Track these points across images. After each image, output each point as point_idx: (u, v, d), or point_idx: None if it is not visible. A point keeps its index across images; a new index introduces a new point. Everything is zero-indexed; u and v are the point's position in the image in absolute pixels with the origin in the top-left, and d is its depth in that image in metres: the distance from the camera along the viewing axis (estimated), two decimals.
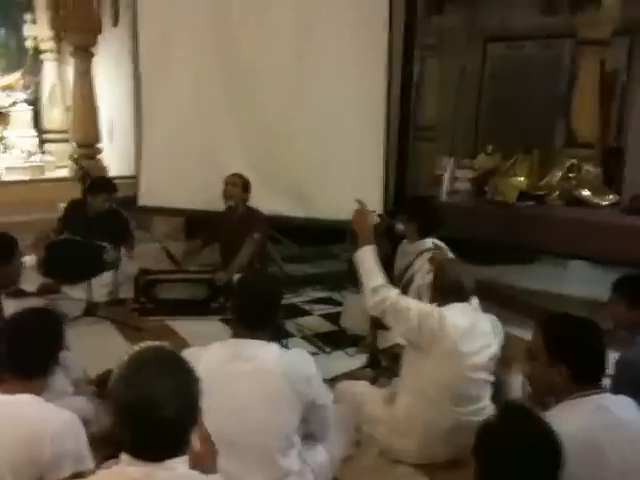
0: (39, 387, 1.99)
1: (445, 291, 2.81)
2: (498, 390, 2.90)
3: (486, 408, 2.75)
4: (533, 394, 2.19)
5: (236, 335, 2.34)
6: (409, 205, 3.79)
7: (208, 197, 5.09)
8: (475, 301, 3.03)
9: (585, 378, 1.92)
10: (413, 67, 5.97)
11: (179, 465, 1.46)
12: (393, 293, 2.83)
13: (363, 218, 3.07)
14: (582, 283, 5.11)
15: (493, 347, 2.80)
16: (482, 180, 5.03)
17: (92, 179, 4.77)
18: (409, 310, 2.74)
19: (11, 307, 3.04)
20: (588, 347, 1.93)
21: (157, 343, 1.59)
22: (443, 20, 6.41)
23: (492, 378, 2.83)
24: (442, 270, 2.88)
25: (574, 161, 4.96)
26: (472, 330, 2.73)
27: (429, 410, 2.72)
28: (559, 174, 4.86)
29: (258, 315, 2.32)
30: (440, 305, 2.79)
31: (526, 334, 4.18)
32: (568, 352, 1.92)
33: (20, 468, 1.79)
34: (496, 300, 4.79)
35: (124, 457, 1.45)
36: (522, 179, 4.83)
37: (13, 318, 2.09)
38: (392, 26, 5.01)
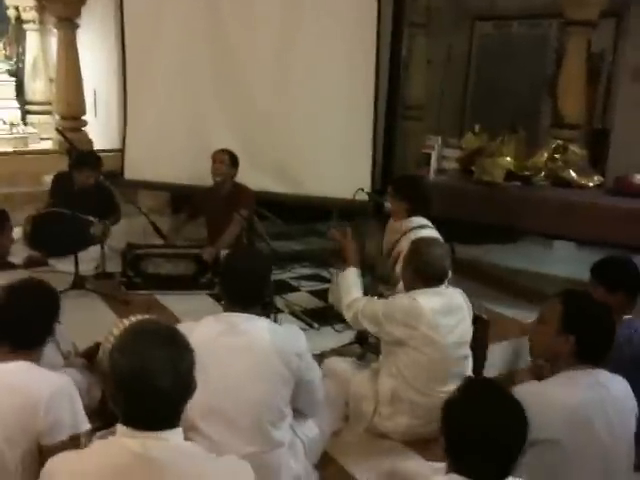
0: (33, 358, 1.99)
1: (422, 276, 2.79)
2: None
3: None
4: (531, 354, 2.25)
5: (227, 311, 2.35)
6: (398, 184, 3.78)
7: (195, 172, 5.07)
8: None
9: (589, 354, 1.99)
10: (402, 45, 5.98)
11: (174, 436, 1.49)
12: (361, 303, 2.93)
13: (347, 243, 3.25)
14: (567, 263, 5.17)
15: (467, 320, 2.88)
16: (469, 159, 5.04)
17: (77, 153, 4.72)
18: (378, 315, 2.82)
19: None
20: (601, 327, 2.00)
21: (147, 317, 1.62)
22: None
23: (469, 352, 2.90)
24: (419, 253, 2.83)
25: (560, 142, 4.99)
26: (447, 307, 2.79)
27: (412, 393, 2.77)
28: (545, 155, 4.88)
29: (248, 291, 2.33)
30: (413, 288, 2.81)
31: (511, 313, 4.30)
32: (582, 325, 1.99)
33: (14, 435, 1.80)
34: (481, 279, 4.87)
35: (119, 428, 1.47)
36: (509, 159, 4.84)
37: (10, 288, 2.09)
38: (381, 3, 4.98)
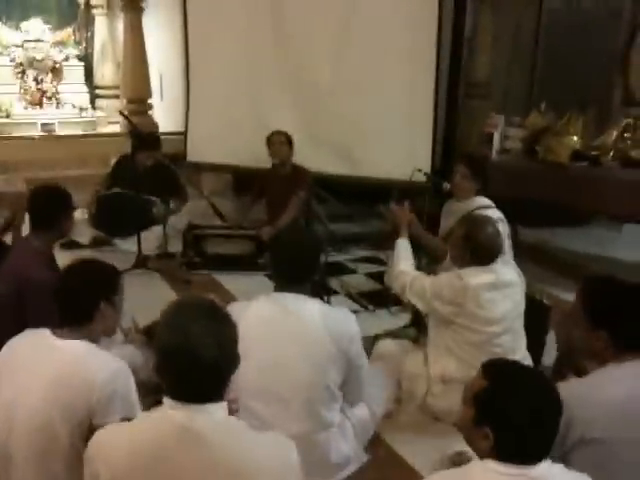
0: (92, 334, 2.06)
1: (475, 254, 2.76)
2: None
3: (524, 361, 2.75)
4: (568, 355, 2.17)
5: (277, 289, 2.36)
6: (475, 163, 3.67)
7: (255, 154, 5.11)
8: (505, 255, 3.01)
9: (628, 343, 1.85)
10: (465, 22, 5.82)
11: (218, 410, 1.52)
12: (408, 278, 2.93)
13: (402, 215, 3.34)
14: (636, 247, 4.97)
15: (518, 295, 2.83)
16: (533, 139, 4.87)
17: (136, 134, 4.83)
18: (425, 292, 2.82)
19: (64, 258, 3.14)
20: (630, 313, 1.86)
21: (204, 295, 1.65)
22: None
23: (521, 326, 2.86)
24: (472, 232, 2.78)
25: (630, 120, 4.76)
26: (494, 283, 2.74)
27: (463, 370, 2.71)
28: (614, 134, 4.68)
29: (296, 269, 2.33)
30: (463, 265, 2.78)
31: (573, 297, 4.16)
32: (608, 318, 1.86)
33: (69, 410, 1.86)
34: (545, 263, 4.73)
35: (166, 400, 1.51)
36: (575, 138, 4.66)
37: (71, 266, 2.14)
38: None
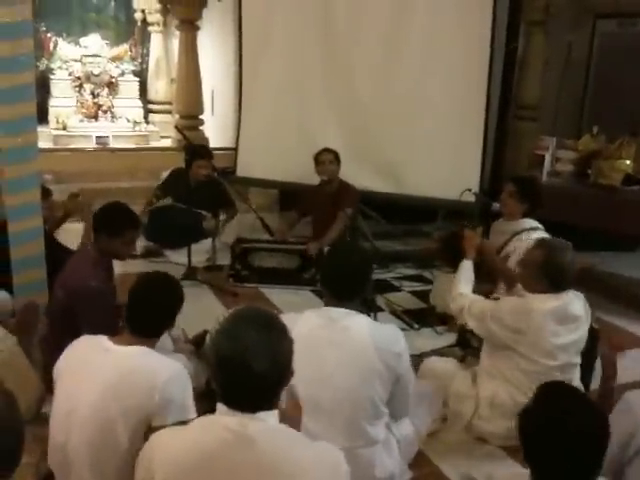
0: (150, 345, 2.13)
1: (551, 279, 2.66)
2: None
3: None
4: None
5: (327, 305, 2.38)
6: (523, 184, 3.67)
7: (302, 170, 5.17)
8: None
9: None
10: (518, 43, 5.81)
11: (270, 418, 1.54)
12: (467, 300, 2.92)
13: (473, 239, 3.28)
14: None
15: (582, 328, 2.76)
16: (585, 162, 4.83)
17: (191, 148, 4.95)
18: (485, 315, 2.78)
19: (117, 267, 3.23)
20: None
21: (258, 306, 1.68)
22: None
23: (579, 360, 2.80)
24: (552, 256, 2.66)
25: None
26: (562, 313, 2.68)
27: (516, 397, 2.69)
28: None
29: (347, 284, 2.34)
30: (534, 290, 2.72)
31: (628, 325, 4.08)
32: None
33: (131, 412, 1.91)
34: (596, 288, 4.63)
35: (220, 407, 1.54)
36: (628, 162, 4.60)
37: (143, 279, 2.23)
38: (496, 2, 4.88)
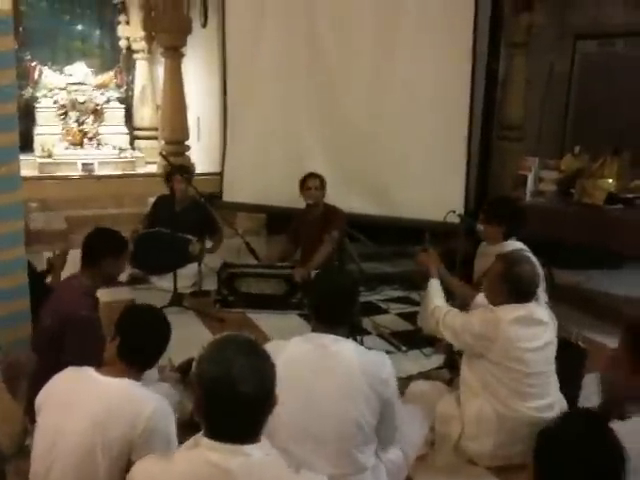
0: (138, 375, 2.12)
1: (512, 291, 2.76)
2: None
3: (555, 405, 2.76)
4: (614, 400, 2.13)
5: (315, 330, 2.38)
6: (493, 206, 3.70)
7: (289, 194, 5.18)
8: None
9: None
10: (498, 65, 5.89)
11: (255, 451, 1.52)
12: (442, 312, 2.98)
13: (430, 259, 3.42)
14: None
15: (549, 334, 2.81)
16: (568, 181, 4.89)
17: (170, 166, 4.97)
18: (456, 326, 2.87)
19: (102, 295, 3.21)
20: None
21: (241, 333, 1.68)
22: (533, 17, 6.25)
23: (553, 369, 2.82)
24: (510, 269, 2.79)
25: None
26: (527, 319, 2.75)
27: (498, 408, 2.72)
28: None
29: (335, 310, 2.34)
30: (499, 302, 2.79)
31: (613, 342, 4.08)
32: None
33: (113, 443, 1.89)
34: (582, 306, 4.66)
35: (203, 440, 1.53)
36: (611, 181, 4.66)
37: (131, 312, 2.25)
38: (477, 23, 4.95)
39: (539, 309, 2.86)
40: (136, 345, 2.13)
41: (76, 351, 2.59)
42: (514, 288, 2.76)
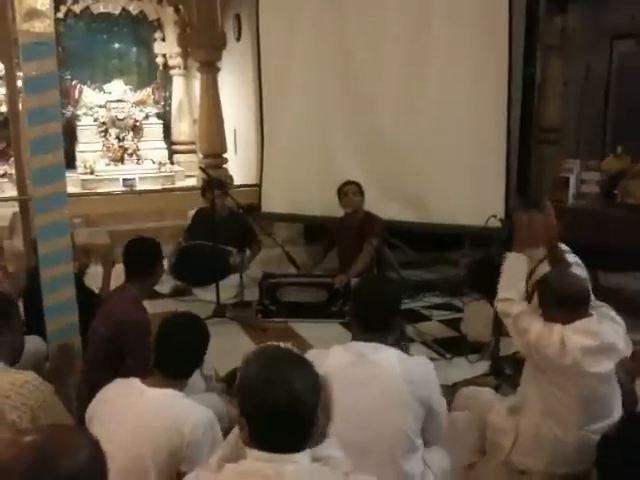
0: (181, 385, 2.15)
1: (559, 302, 2.53)
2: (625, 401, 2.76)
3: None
4: None
5: (356, 339, 2.37)
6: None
7: (326, 203, 5.21)
8: (604, 309, 2.83)
9: None
10: (535, 68, 5.83)
11: (303, 458, 1.53)
12: (516, 310, 2.68)
13: (525, 226, 2.85)
14: None
15: (622, 355, 2.60)
16: (611, 183, 4.80)
17: (207, 181, 5.04)
18: (528, 332, 2.59)
19: (147, 308, 3.26)
20: None
21: (280, 344, 1.69)
22: (567, 19, 6.19)
23: (618, 389, 2.66)
24: (548, 282, 2.57)
25: None
26: (603, 346, 2.52)
27: (557, 429, 2.59)
28: None
29: (377, 319, 2.33)
30: (563, 322, 2.54)
31: None
32: None
33: (161, 457, 1.92)
34: (628, 309, 4.55)
35: (251, 451, 1.53)
36: None
37: (170, 321, 2.26)
38: (512, 27, 4.91)
39: (608, 332, 2.55)
40: (168, 352, 2.15)
41: (135, 353, 2.65)
42: (560, 300, 2.52)
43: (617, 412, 2.65)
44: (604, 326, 2.57)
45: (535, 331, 2.56)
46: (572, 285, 2.57)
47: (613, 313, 2.66)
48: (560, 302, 2.54)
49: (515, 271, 2.77)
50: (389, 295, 2.40)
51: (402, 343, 3.32)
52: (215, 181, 5.11)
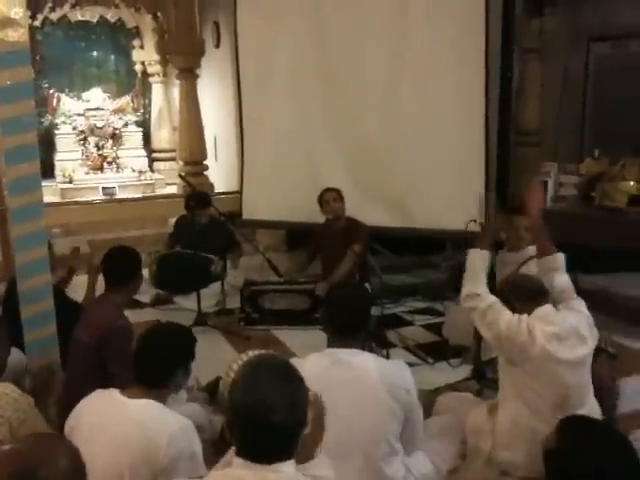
0: (162, 395, 2.13)
1: (521, 297, 2.69)
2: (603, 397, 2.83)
3: (591, 414, 2.66)
4: None
5: (331, 345, 2.39)
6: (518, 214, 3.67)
7: (309, 209, 5.19)
8: (576, 303, 2.89)
9: None
10: (512, 71, 5.87)
11: (287, 468, 1.52)
12: (483, 304, 2.73)
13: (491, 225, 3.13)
14: None
15: (589, 344, 2.67)
16: (589, 185, 4.84)
17: (190, 195, 5.03)
18: (497, 323, 2.64)
19: (128, 317, 3.24)
20: None
21: (264, 352, 1.69)
22: (544, 22, 6.24)
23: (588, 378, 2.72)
24: (506, 284, 2.80)
25: None
26: (563, 331, 2.61)
27: (533, 419, 2.63)
28: None
29: (348, 322, 2.36)
30: (524, 313, 2.66)
31: (638, 344, 4.03)
32: None
33: (139, 468, 1.90)
34: (608, 310, 4.60)
35: (235, 460, 1.53)
36: (632, 183, 4.60)
37: (149, 331, 2.24)
38: (489, 31, 4.95)
39: (569, 317, 2.67)
40: (144, 364, 2.13)
41: (121, 360, 2.59)
42: (520, 294, 2.69)
43: (590, 403, 2.71)
44: (561, 313, 2.69)
45: (505, 321, 2.63)
46: (534, 281, 2.76)
47: (581, 306, 2.75)
48: (527, 298, 2.68)
49: (479, 267, 2.86)
50: (358, 299, 2.44)
51: (382, 348, 3.33)
52: (195, 195, 5.10)
